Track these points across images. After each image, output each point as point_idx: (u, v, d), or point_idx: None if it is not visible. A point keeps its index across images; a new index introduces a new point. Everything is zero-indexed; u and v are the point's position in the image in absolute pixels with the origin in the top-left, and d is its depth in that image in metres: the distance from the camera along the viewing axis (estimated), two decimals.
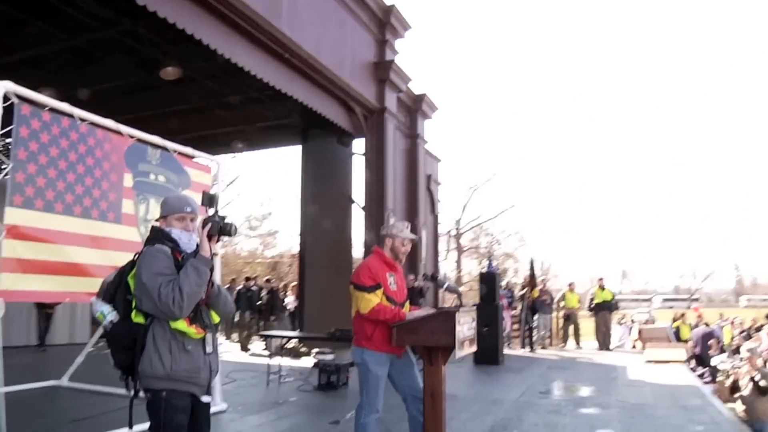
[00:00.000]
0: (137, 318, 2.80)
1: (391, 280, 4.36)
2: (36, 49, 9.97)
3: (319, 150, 13.97)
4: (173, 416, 2.80)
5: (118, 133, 5.75)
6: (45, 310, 12.30)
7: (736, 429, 5.94)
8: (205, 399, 2.96)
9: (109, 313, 2.85)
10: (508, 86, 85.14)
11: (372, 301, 4.19)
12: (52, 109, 5.12)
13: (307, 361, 9.57)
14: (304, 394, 7.80)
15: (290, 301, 14.85)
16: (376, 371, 4.20)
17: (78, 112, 5.33)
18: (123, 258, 3.13)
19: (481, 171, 52.67)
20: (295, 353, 11.63)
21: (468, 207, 32.77)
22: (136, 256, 2.93)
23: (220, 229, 2.93)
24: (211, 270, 2.90)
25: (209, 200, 2.98)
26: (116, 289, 2.89)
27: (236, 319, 13.83)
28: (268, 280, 14.22)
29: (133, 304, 2.82)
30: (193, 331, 2.85)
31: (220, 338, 15.74)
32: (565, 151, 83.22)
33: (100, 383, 7.17)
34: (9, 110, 4.80)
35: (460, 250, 30.22)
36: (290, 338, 10.29)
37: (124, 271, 2.92)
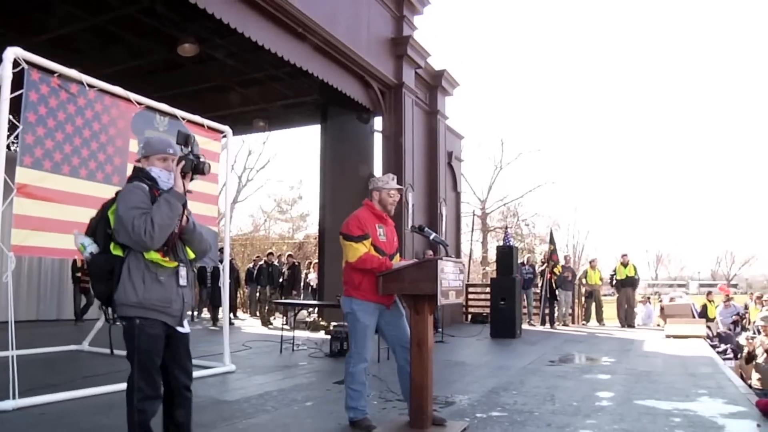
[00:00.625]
0: (116, 250, 2.95)
1: (380, 231, 4.45)
2: (62, 30, 10.26)
3: (338, 128, 14.05)
4: (146, 342, 2.94)
5: (126, 100, 5.92)
6: (81, 284, 12.66)
7: (740, 393, 5.87)
8: (181, 329, 3.10)
9: (89, 245, 3.00)
10: (535, 60, 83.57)
11: (359, 250, 4.28)
12: (61, 76, 5.30)
13: (326, 336, 9.74)
14: (314, 360, 7.97)
15: (312, 278, 15.04)
16: (364, 320, 4.30)
17: (87, 78, 5.51)
18: None
19: (507, 149, 51.45)
20: (314, 327, 11.83)
21: (495, 186, 32.42)
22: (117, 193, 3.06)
23: (194, 167, 3.05)
24: (185, 206, 3.02)
25: (185, 139, 3.09)
26: (98, 223, 3.04)
27: (258, 294, 14.14)
28: (290, 256, 14.44)
29: (113, 237, 2.96)
30: (165, 260, 2.98)
31: (244, 315, 16.10)
32: (598, 130, 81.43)
33: (118, 348, 7.42)
34: (20, 76, 5.02)
35: (485, 229, 30.04)
36: (302, 306, 10.48)
37: (105, 207, 3.06)
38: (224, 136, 7.49)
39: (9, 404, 4.56)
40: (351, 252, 4.31)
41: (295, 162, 51.34)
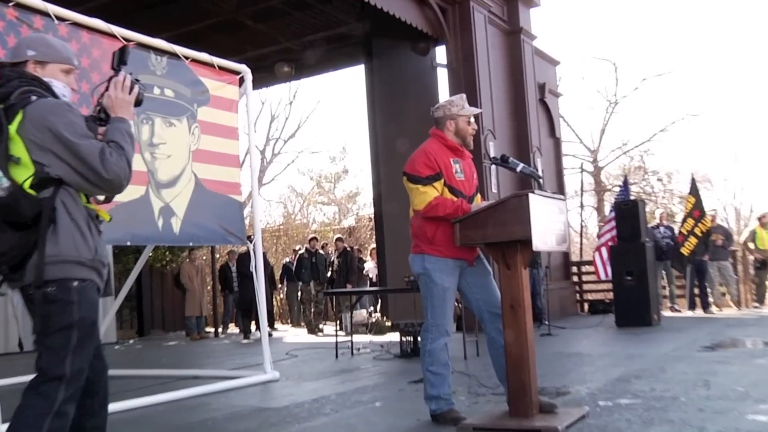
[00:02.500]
0: (34, 189, 2.75)
1: (456, 167, 4.65)
2: None
3: (389, 66, 14.23)
4: (89, 310, 2.79)
5: (111, 35, 6.23)
6: None
7: None
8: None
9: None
10: None
11: (428, 194, 4.48)
12: (20, 5, 5.48)
13: (394, 337, 10.03)
14: (381, 362, 8.25)
15: (370, 267, 15.38)
16: (442, 282, 4.49)
17: (54, 8, 5.70)
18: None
19: (624, 76, 49.65)
20: (377, 329, 12.15)
21: (609, 130, 31.66)
22: (9, 102, 2.80)
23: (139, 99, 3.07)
24: None
25: (120, 57, 3.05)
26: None
27: (299, 293, 14.55)
28: (339, 239, 14.72)
29: (29, 171, 2.75)
30: (102, 211, 2.99)
31: (284, 326, 16.57)
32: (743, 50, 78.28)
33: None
34: None
35: (601, 189, 29.69)
36: (360, 295, 10.82)
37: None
38: (241, 79, 7.78)
39: None
40: (418, 197, 4.51)
41: (334, 123, 51.59)
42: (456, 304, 5.17)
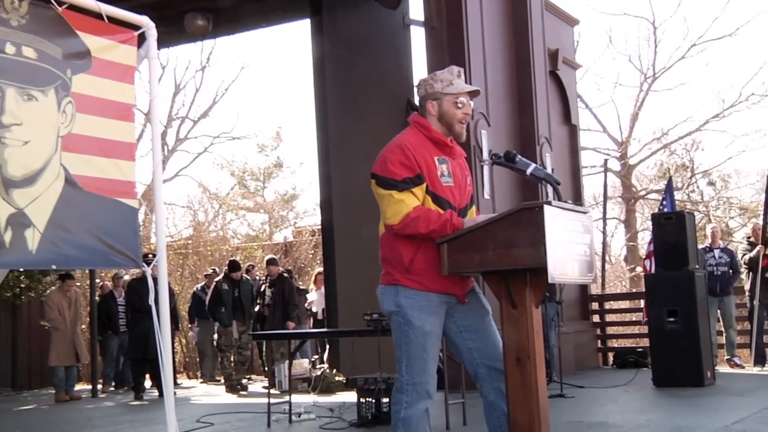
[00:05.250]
0: None
1: (442, 168, 4.59)
2: None
3: (344, 22, 14.25)
4: None
5: None
6: None
7: None
8: None
9: None
10: None
11: (405, 203, 4.42)
12: None
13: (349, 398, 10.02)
14: None
15: (314, 299, 15.33)
16: (421, 325, 4.46)
17: None
18: None
19: (665, 41, 49.26)
20: (323, 385, 12.13)
21: (643, 114, 31.61)
22: None
23: None
24: None
25: None
26: None
27: (216, 337, 14.41)
28: (272, 261, 14.51)
29: None
30: None
31: (190, 380, 16.44)
32: None
33: None
34: None
35: (632, 197, 29.92)
36: (302, 337, 10.84)
37: None
38: (142, 37, 7.64)
39: None
40: (392, 208, 4.46)
41: (265, 98, 51.40)
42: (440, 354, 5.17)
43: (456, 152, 4.74)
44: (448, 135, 4.69)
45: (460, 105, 4.65)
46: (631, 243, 29.46)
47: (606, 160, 27.56)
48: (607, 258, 21.51)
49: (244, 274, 14.43)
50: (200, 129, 34.21)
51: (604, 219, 21.67)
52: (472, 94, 4.69)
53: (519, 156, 4.84)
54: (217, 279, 14.49)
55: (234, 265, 14.61)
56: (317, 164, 14.73)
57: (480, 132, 12.38)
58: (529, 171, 4.77)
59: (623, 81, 39.57)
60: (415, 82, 13.42)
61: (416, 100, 4.79)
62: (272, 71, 49.49)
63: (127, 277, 15.37)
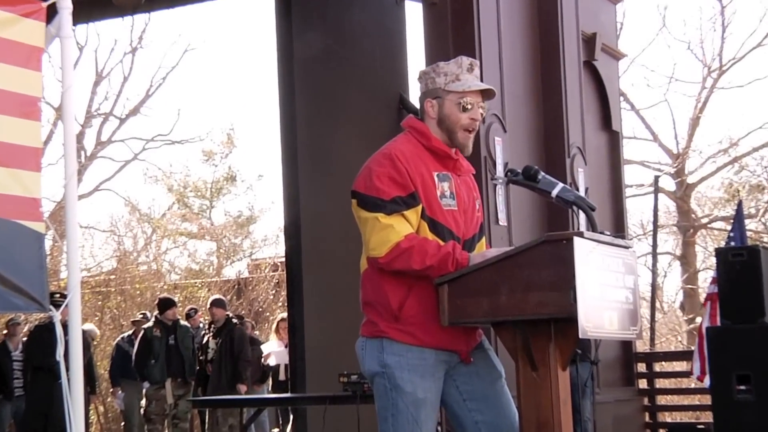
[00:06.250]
0: None
1: (443, 186, 4.62)
2: None
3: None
4: None
5: None
6: None
7: None
8: None
9: None
10: None
11: (395, 230, 4.43)
12: None
13: None
14: None
15: (275, 353, 15.31)
16: (413, 390, 4.47)
17: None
18: None
19: (738, 31, 49.57)
20: None
21: (705, 120, 31.83)
22: None
23: None
24: None
25: None
26: None
27: (145, 403, 14.33)
28: (218, 303, 14.52)
29: None
30: None
31: None
32: None
33: None
34: None
35: (691, 227, 30.10)
36: (259, 403, 10.83)
37: None
38: (52, 9, 7.64)
39: None
40: (377, 236, 4.45)
41: (213, 91, 51.80)
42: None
43: (462, 167, 4.75)
44: (451, 145, 4.68)
45: (466, 107, 4.64)
46: (690, 286, 29.51)
47: (657, 178, 27.70)
48: (657, 305, 21.59)
49: (183, 321, 14.37)
50: (129, 130, 34.46)
51: (654, 254, 21.79)
52: (485, 95, 4.67)
53: (542, 173, 4.82)
54: (146, 326, 14.44)
55: (166, 303, 14.63)
56: (281, 178, 14.70)
57: (493, 140, 12.36)
58: (555, 192, 4.76)
59: (681, 75, 39.96)
60: (411, 74, 13.60)
61: (416, 99, 4.76)
62: (224, 57, 49.75)
63: (27, 325, 15.31)
